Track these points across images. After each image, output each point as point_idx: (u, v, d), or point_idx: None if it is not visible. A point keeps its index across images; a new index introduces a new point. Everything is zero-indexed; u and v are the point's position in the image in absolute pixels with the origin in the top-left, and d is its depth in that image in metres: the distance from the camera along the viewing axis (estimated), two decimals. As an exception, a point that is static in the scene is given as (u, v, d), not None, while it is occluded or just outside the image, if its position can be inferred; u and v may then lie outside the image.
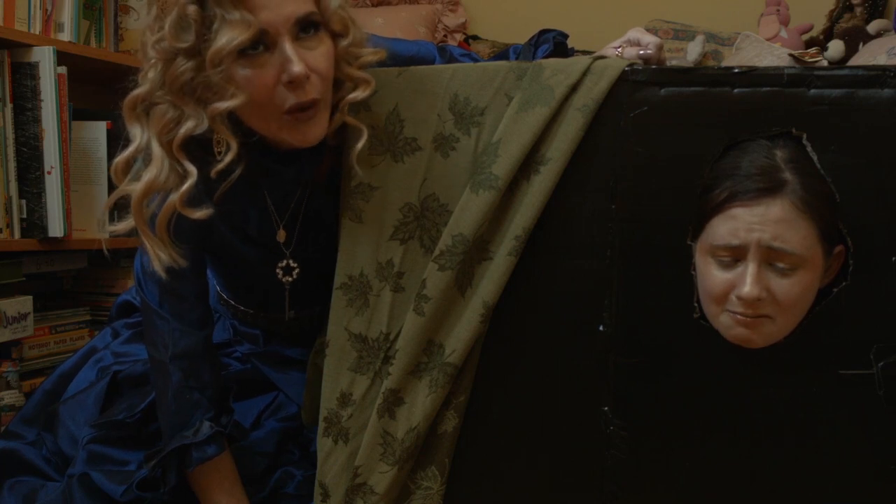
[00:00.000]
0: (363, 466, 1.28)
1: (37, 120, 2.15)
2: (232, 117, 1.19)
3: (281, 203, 1.34)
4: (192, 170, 1.18)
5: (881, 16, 2.57)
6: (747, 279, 1.14)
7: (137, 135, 1.20)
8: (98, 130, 2.40)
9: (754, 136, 1.17)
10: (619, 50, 1.32)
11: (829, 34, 2.61)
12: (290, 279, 1.39)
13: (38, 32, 2.23)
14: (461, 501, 1.31)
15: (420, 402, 1.26)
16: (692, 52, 2.66)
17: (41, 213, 2.16)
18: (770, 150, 1.16)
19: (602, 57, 1.26)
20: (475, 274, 1.25)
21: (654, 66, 1.26)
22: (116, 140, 2.42)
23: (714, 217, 1.17)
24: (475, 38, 3.06)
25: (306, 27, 1.17)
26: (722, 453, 1.23)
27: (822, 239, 1.15)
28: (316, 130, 1.20)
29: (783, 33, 2.62)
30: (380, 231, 1.28)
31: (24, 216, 2.15)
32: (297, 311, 1.46)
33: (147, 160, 1.20)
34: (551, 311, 1.26)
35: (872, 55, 2.28)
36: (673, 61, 2.63)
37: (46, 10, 2.27)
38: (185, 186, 1.18)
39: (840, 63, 2.43)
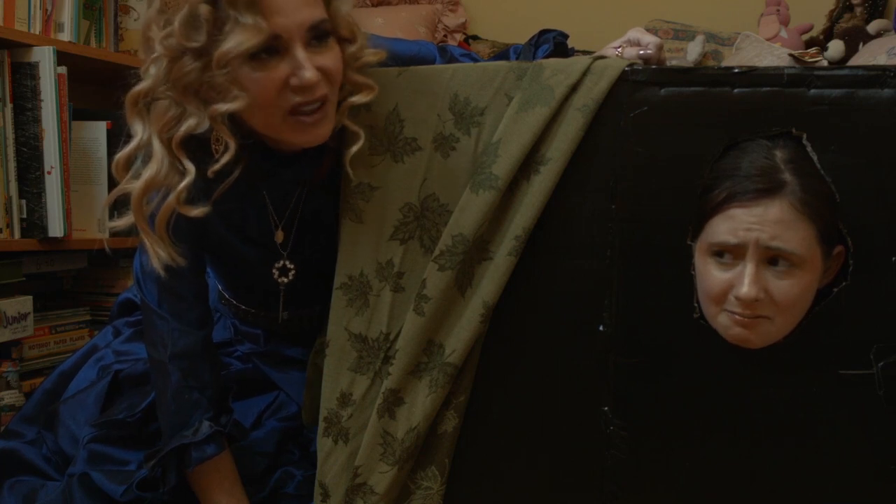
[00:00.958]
0: (363, 466, 1.28)
1: (37, 120, 2.14)
2: (234, 118, 1.19)
3: (280, 203, 1.34)
4: (191, 167, 1.18)
5: (881, 16, 2.57)
6: (745, 279, 1.14)
7: (139, 131, 1.20)
8: (98, 130, 2.40)
9: (754, 137, 1.17)
10: (619, 50, 1.32)
11: (829, 34, 2.61)
12: (285, 280, 1.39)
13: (38, 32, 2.23)
14: (461, 501, 1.31)
15: (420, 402, 1.26)
16: (692, 52, 2.66)
17: (41, 213, 2.16)
18: (770, 151, 1.16)
19: (602, 57, 1.26)
20: (475, 274, 1.25)
21: (654, 66, 1.26)
22: (116, 140, 2.43)
23: (713, 217, 1.17)
24: (475, 38, 3.06)
25: (319, 35, 1.17)
26: (722, 453, 1.23)
27: (821, 239, 1.15)
28: (322, 130, 1.21)
29: (783, 33, 2.62)
30: (380, 231, 1.28)
31: (24, 216, 2.15)
32: (292, 311, 1.46)
33: (147, 157, 1.20)
34: (551, 311, 1.26)
35: (872, 55, 2.28)
36: (673, 61, 2.63)
37: (46, 10, 2.27)
38: (183, 184, 1.18)
39: (840, 63, 2.43)
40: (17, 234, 2.13)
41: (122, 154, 1.21)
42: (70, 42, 2.32)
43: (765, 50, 2.38)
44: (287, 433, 1.49)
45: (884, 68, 1.16)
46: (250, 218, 1.34)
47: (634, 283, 1.23)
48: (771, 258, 1.14)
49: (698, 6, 2.86)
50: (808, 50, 1.99)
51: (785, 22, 2.65)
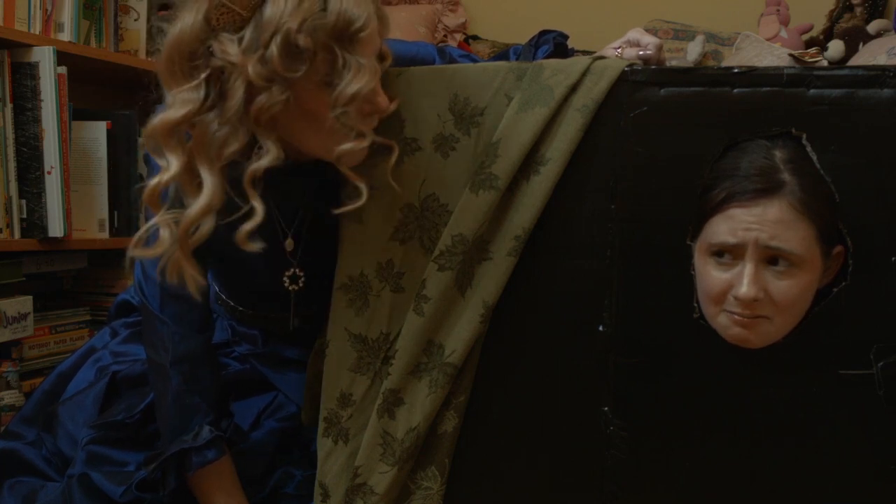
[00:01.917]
0: (363, 467, 1.28)
1: (37, 120, 2.15)
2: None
3: (288, 212, 1.33)
4: (261, 206, 1.14)
5: (881, 16, 2.57)
6: (744, 279, 1.14)
7: (175, 161, 1.14)
8: (98, 130, 2.40)
9: (754, 137, 1.17)
10: (619, 50, 1.32)
11: (829, 34, 2.61)
12: (296, 288, 1.38)
13: (38, 32, 2.23)
14: (461, 501, 1.31)
15: (420, 403, 1.26)
16: (692, 52, 2.66)
17: (41, 213, 2.16)
18: (769, 151, 1.16)
19: (602, 57, 1.26)
20: (475, 274, 1.25)
21: (653, 67, 1.26)
22: (116, 140, 2.44)
23: (712, 217, 1.17)
24: (475, 38, 3.06)
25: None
26: (722, 453, 1.23)
27: (821, 239, 1.15)
28: (364, 149, 1.20)
29: (783, 33, 2.62)
30: (380, 231, 1.28)
31: (24, 216, 2.15)
32: (302, 317, 1.45)
33: (188, 185, 1.15)
34: (551, 311, 1.26)
35: (872, 55, 2.28)
36: (673, 61, 2.63)
37: (46, 10, 2.27)
38: (251, 224, 1.14)
39: (840, 63, 2.43)
40: (17, 234, 2.13)
41: (157, 184, 1.15)
42: (70, 42, 2.32)
43: (765, 50, 2.39)
44: (286, 433, 1.49)
45: (884, 68, 1.16)
46: (258, 227, 1.32)
47: (634, 284, 1.23)
48: (770, 258, 1.14)
49: (698, 6, 2.87)
50: (808, 50, 1.99)
51: (785, 22, 2.65)
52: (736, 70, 1.18)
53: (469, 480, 1.30)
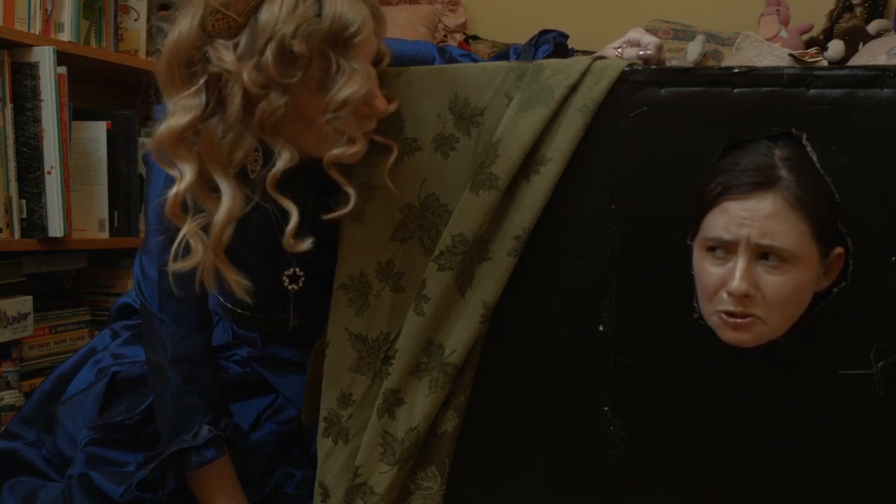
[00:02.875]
0: (363, 466, 1.28)
1: (37, 120, 2.15)
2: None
3: (287, 212, 1.33)
4: (293, 207, 1.16)
5: (881, 16, 2.57)
6: (736, 273, 1.14)
7: (188, 169, 1.14)
8: (98, 130, 2.40)
9: (754, 137, 1.17)
10: (619, 50, 1.32)
11: (829, 34, 2.61)
12: (295, 287, 1.38)
13: (38, 32, 2.23)
14: (461, 501, 1.31)
15: (420, 402, 1.26)
16: (692, 52, 2.66)
17: (41, 213, 2.16)
18: (769, 150, 1.16)
19: (602, 57, 1.26)
20: (475, 274, 1.25)
21: (653, 67, 1.26)
22: (116, 140, 2.44)
23: (709, 212, 1.17)
24: (475, 38, 3.06)
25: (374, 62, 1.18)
26: (722, 453, 1.23)
27: (817, 238, 1.15)
28: (365, 149, 1.21)
29: (783, 33, 2.62)
30: (380, 231, 1.28)
31: (24, 216, 2.15)
32: (301, 317, 1.45)
33: (203, 193, 1.15)
34: (551, 311, 1.26)
35: (872, 55, 2.28)
36: (673, 61, 2.63)
37: (46, 10, 2.27)
38: (292, 225, 1.16)
39: (840, 63, 2.43)
40: (17, 234, 2.13)
41: (176, 195, 1.15)
42: (70, 42, 2.32)
43: (765, 50, 2.38)
44: (286, 436, 1.49)
45: (884, 68, 1.16)
46: (255, 226, 1.33)
47: (634, 284, 1.23)
48: (763, 253, 1.14)
49: (698, 6, 2.87)
50: (808, 50, 1.99)
51: (785, 22, 2.65)
52: (736, 70, 1.18)
53: (469, 480, 1.30)
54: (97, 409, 1.45)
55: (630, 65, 1.22)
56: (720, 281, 1.16)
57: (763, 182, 1.14)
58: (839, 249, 1.18)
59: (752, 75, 1.18)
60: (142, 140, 2.44)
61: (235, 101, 1.10)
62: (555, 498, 1.28)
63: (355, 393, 1.30)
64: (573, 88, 1.21)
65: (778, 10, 2.66)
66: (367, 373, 1.29)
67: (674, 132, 1.20)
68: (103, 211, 2.41)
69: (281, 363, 1.53)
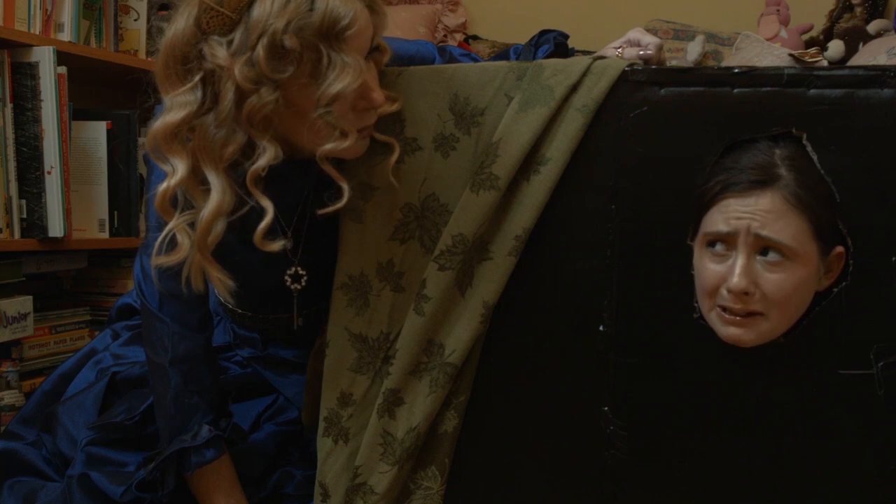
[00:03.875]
0: (363, 466, 1.28)
1: (37, 120, 2.15)
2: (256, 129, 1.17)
3: (287, 210, 1.33)
4: (269, 204, 1.15)
5: (881, 16, 2.57)
6: (735, 270, 1.14)
7: (180, 164, 1.15)
8: (98, 130, 2.40)
9: (755, 137, 1.17)
10: (620, 50, 1.32)
11: (829, 34, 2.61)
12: (298, 287, 1.38)
13: (38, 32, 2.23)
14: (461, 501, 1.31)
15: (420, 402, 1.26)
16: (692, 52, 2.66)
17: (41, 213, 2.16)
18: (770, 149, 1.16)
19: (602, 57, 1.26)
20: (475, 274, 1.25)
21: (654, 66, 1.26)
22: (116, 140, 2.44)
23: (709, 210, 1.17)
24: (475, 38, 3.06)
25: (370, 52, 1.17)
26: (722, 453, 1.23)
27: (817, 237, 1.15)
28: (365, 145, 1.21)
29: (783, 33, 2.62)
30: (380, 231, 1.28)
31: (24, 216, 2.15)
32: (305, 316, 1.45)
33: (195, 188, 1.16)
34: (551, 311, 1.26)
35: (872, 55, 2.28)
36: (673, 61, 2.63)
37: (46, 10, 2.27)
38: (265, 224, 1.15)
39: (840, 63, 2.43)
40: (17, 234, 2.13)
41: (166, 190, 1.16)
42: (70, 42, 2.32)
43: (765, 50, 2.38)
44: (286, 437, 1.49)
45: (884, 68, 1.16)
46: (256, 226, 1.32)
47: (634, 283, 1.23)
48: (762, 249, 1.14)
49: (698, 6, 2.87)
50: (808, 50, 1.99)
51: (785, 22, 2.65)
52: (736, 70, 1.18)
53: (469, 480, 1.30)
54: (97, 409, 1.45)
55: (630, 65, 1.22)
56: (720, 278, 1.16)
57: (763, 180, 1.14)
58: (839, 249, 1.18)
59: (752, 75, 1.18)
60: (142, 140, 2.44)
61: (228, 97, 1.11)
62: (555, 498, 1.28)
63: (355, 393, 1.30)
64: (573, 88, 1.21)
65: (778, 10, 2.66)
66: (367, 373, 1.29)
67: (674, 132, 1.20)
68: (103, 211, 2.41)
69: (281, 363, 1.53)
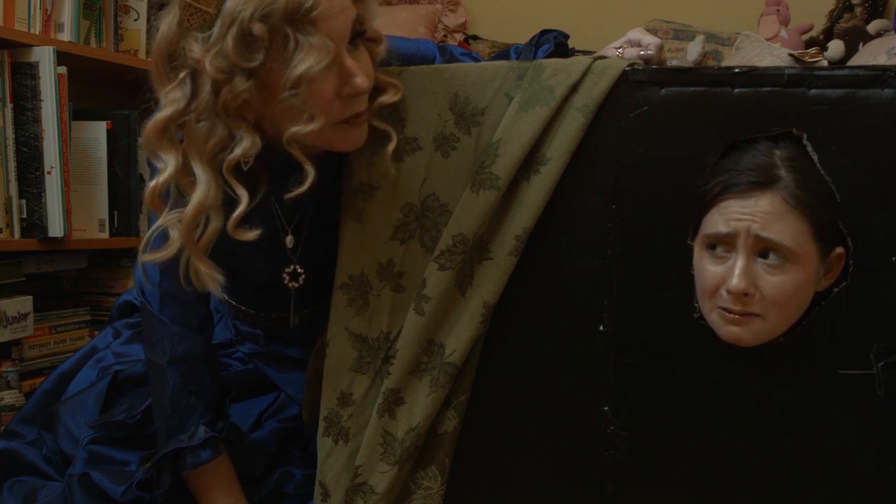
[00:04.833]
0: (363, 466, 1.28)
1: (37, 120, 2.15)
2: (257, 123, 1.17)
3: (288, 208, 1.33)
4: (245, 194, 1.16)
5: (881, 16, 2.58)
6: (735, 271, 1.14)
7: (171, 160, 1.16)
8: (98, 130, 2.40)
9: (756, 137, 1.17)
10: (620, 50, 1.32)
11: (829, 34, 2.61)
12: (296, 285, 1.38)
13: (38, 32, 2.23)
14: (461, 501, 1.31)
15: (420, 402, 1.26)
16: (692, 52, 2.66)
17: (41, 213, 2.16)
18: (770, 150, 1.16)
19: (602, 57, 1.26)
20: (475, 274, 1.25)
21: (654, 66, 1.26)
22: (116, 140, 2.44)
23: (709, 211, 1.17)
24: (475, 38, 3.06)
25: (354, 38, 1.16)
26: (722, 453, 1.23)
27: (817, 238, 1.15)
28: (362, 135, 1.20)
29: (783, 33, 2.63)
30: (380, 231, 1.28)
31: (24, 216, 2.15)
32: (303, 315, 1.45)
33: (186, 183, 1.16)
34: (551, 311, 1.26)
35: (872, 55, 2.29)
36: (673, 61, 2.63)
37: (46, 10, 2.27)
38: (239, 211, 1.15)
39: (840, 63, 2.43)
40: (17, 234, 2.14)
41: (156, 184, 1.17)
42: (70, 42, 2.32)
43: (765, 50, 2.39)
44: (287, 434, 1.49)
45: (884, 68, 1.16)
46: (255, 223, 1.33)
47: (635, 283, 1.23)
48: (762, 251, 1.15)
49: (698, 6, 2.87)
50: (808, 50, 1.99)
51: (785, 22, 2.65)
52: (737, 70, 1.18)
53: (469, 480, 1.30)
54: (98, 408, 1.45)
55: (631, 64, 1.22)
56: (720, 279, 1.16)
57: (762, 181, 1.14)
58: (839, 249, 1.18)
59: (752, 75, 1.18)
60: (140, 141, 2.44)
61: (205, 90, 1.12)
62: (555, 498, 1.28)
63: (355, 393, 1.30)
64: (574, 88, 1.21)
65: (778, 10, 2.66)
66: (367, 372, 1.29)
67: (674, 132, 1.20)
68: (103, 211, 2.41)
69: (283, 360, 1.53)
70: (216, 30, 1.11)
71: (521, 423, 1.28)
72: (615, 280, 1.23)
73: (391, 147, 1.23)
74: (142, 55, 2.58)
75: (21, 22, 2.19)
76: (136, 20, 2.60)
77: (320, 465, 1.31)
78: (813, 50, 1.84)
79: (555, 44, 1.41)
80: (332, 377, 1.31)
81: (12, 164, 2.12)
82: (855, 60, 2.38)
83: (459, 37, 3.02)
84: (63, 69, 2.18)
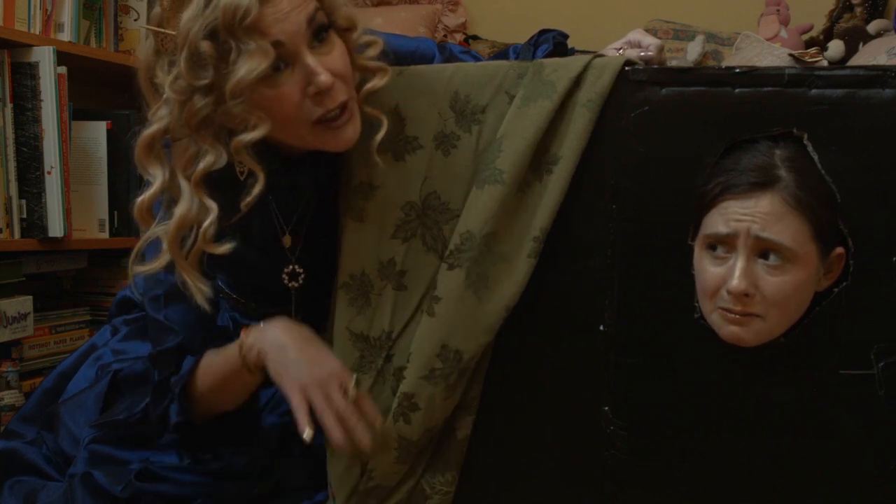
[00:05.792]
0: (377, 470, 1.27)
1: (37, 120, 2.15)
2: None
3: (287, 209, 1.33)
4: (213, 206, 1.18)
5: (881, 16, 2.58)
6: (735, 272, 1.14)
7: (158, 175, 1.19)
8: (98, 130, 2.40)
9: (756, 137, 1.17)
10: (620, 51, 1.32)
11: (829, 34, 2.62)
12: (295, 285, 1.38)
13: (38, 32, 2.23)
14: (462, 501, 1.30)
15: (438, 407, 1.25)
16: (692, 52, 2.66)
17: (41, 213, 2.16)
18: (770, 150, 1.16)
19: (601, 56, 1.26)
20: (490, 276, 1.23)
21: (655, 66, 1.26)
22: (116, 140, 2.44)
23: (709, 212, 1.17)
24: (475, 38, 3.06)
25: (318, 32, 1.16)
26: (722, 453, 1.23)
27: (817, 238, 1.15)
28: (352, 130, 1.20)
29: (783, 33, 2.63)
30: (381, 230, 1.28)
31: (24, 216, 2.15)
32: (305, 313, 1.45)
33: (172, 197, 1.19)
34: (552, 310, 1.26)
35: (872, 55, 2.29)
36: (673, 61, 2.63)
37: (46, 10, 2.27)
38: (207, 223, 1.17)
39: (840, 63, 2.43)
40: (17, 234, 2.13)
41: (144, 199, 1.20)
42: (70, 42, 2.32)
43: (765, 50, 2.39)
44: (287, 428, 1.48)
45: (884, 68, 1.16)
46: (254, 225, 1.33)
47: (635, 283, 1.23)
48: (762, 251, 1.15)
49: (698, 6, 2.87)
50: (808, 50, 1.99)
51: (785, 22, 2.65)
52: (737, 70, 1.18)
53: (469, 480, 1.30)
54: (99, 407, 1.45)
55: (631, 64, 1.22)
56: (720, 280, 1.16)
57: (762, 182, 1.14)
58: (840, 249, 1.18)
59: (753, 75, 1.18)
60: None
61: (175, 109, 1.15)
62: (555, 497, 1.28)
63: (357, 393, 1.29)
64: (575, 82, 1.21)
65: (778, 10, 2.66)
66: (368, 372, 1.29)
67: (675, 132, 1.20)
68: (103, 211, 2.41)
69: None
70: (179, 53, 1.14)
71: (521, 422, 1.28)
72: (616, 280, 1.23)
73: (380, 135, 1.22)
74: (142, 55, 2.58)
75: (21, 22, 2.19)
76: (136, 20, 2.60)
77: (328, 465, 1.31)
78: (813, 50, 1.84)
79: (554, 43, 1.41)
80: (333, 377, 1.30)
81: (12, 164, 2.11)
82: (855, 60, 2.39)
83: (459, 37, 3.02)
84: (63, 69, 2.18)
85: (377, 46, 1.24)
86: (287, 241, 1.35)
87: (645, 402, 1.24)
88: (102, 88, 2.62)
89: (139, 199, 1.20)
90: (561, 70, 1.22)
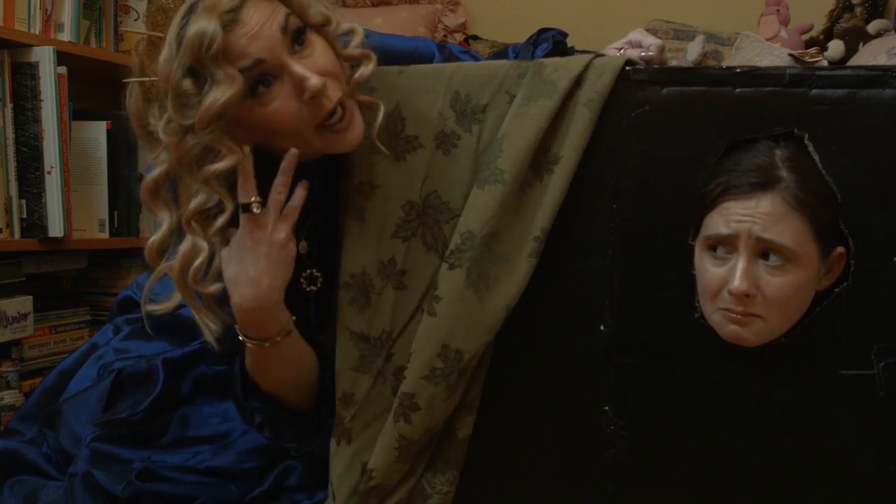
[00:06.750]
0: (377, 471, 1.27)
1: (37, 120, 2.15)
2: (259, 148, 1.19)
3: (301, 215, 1.32)
4: (203, 246, 1.19)
5: (881, 16, 2.58)
6: (736, 272, 1.14)
7: (166, 218, 1.20)
8: (98, 130, 2.40)
9: (756, 137, 1.17)
10: (621, 51, 1.32)
11: (829, 34, 2.62)
12: (314, 288, 1.37)
13: (38, 32, 2.23)
14: (462, 501, 1.31)
15: (438, 407, 1.25)
16: (692, 52, 2.66)
17: (41, 213, 2.16)
18: (770, 150, 1.16)
19: (602, 55, 1.26)
20: (491, 276, 1.23)
21: (655, 66, 1.26)
22: (116, 140, 2.44)
23: (710, 212, 1.17)
24: (475, 37, 3.06)
25: (296, 36, 1.16)
26: (722, 453, 1.23)
27: (818, 238, 1.15)
28: (357, 129, 1.20)
29: (783, 33, 2.63)
30: (381, 229, 1.27)
31: (24, 216, 2.15)
32: (321, 316, 1.44)
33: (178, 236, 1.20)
34: (552, 310, 1.26)
35: (872, 55, 2.29)
36: (673, 61, 2.63)
37: (46, 10, 2.27)
38: (197, 262, 1.18)
39: (840, 63, 2.43)
40: (17, 234, 2.14)
41: (154, 241, 1.21)
42: (70, 42, 2.32)
43: (765, 50, 2.39)
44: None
45: (885, 69, 1.16)
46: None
47: (635, 283, 1.23)
48: (763, 252, 1.15)
49: (698, 6, 2.87)
50: (808, 50, 1.99)
51: (785, 22, 2.65)
52: (738, 70, 1.18)
53: (469, 480, 1.30)
54: (101, 406, 1.45)
55: (631, 63, 1.22)
56: (721, 281, 1.16)
57: (763, 182, 1.14)
58: (840, 249, 1.18)
59: (753, 75, 1.18)
60: (141, 142, 2.44)
61: (172, 153, 1.16)
62: (555, 497, 1.28)
63: (357, 393, 1.29)
64: (576, 82, 1.21)
65: (778, 10, 2.66)
66: (368, 372, 1.29)
67: (675, 132, 1.20)
68: (103, 211, 2.41)
69: None
70: (164, 97, 1.15)
71: (521, 422, 1.28)
72: (616, 280, 1.23)
73: (379, 119, 1.22)
74: (142, 55, 2.58)
75: (21, 22, 2.19)
76: (136, 20, 2.60)
77: (328, 464, 1.31)
78: (813, 50, 1.84)
79: (553, 42, 1.41)
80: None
81: (12, 164, 2.11)
82: (855, 60, 2.39)
83: (459, 37, 3.02)
84: (63, 69, 2.18)
85: (358, 34, 1.23)
86: (303, 247, 1.35)
87: (645, 402, 1.24)
88: (102, 88, 2.62)
89: (150, 240, 1.21)
90: (562, 69, 1.22)
